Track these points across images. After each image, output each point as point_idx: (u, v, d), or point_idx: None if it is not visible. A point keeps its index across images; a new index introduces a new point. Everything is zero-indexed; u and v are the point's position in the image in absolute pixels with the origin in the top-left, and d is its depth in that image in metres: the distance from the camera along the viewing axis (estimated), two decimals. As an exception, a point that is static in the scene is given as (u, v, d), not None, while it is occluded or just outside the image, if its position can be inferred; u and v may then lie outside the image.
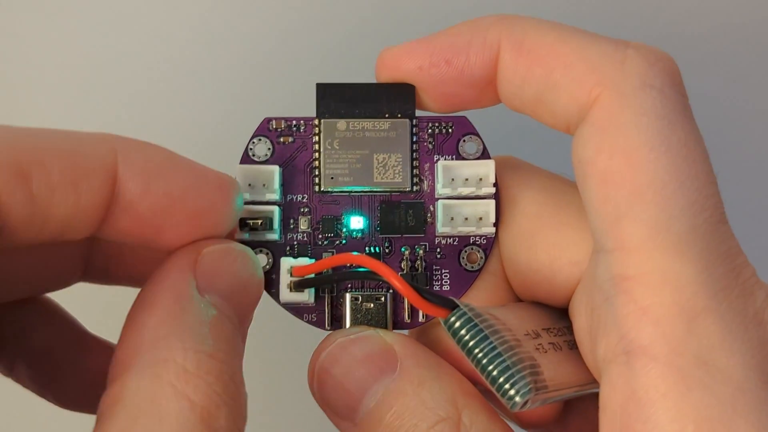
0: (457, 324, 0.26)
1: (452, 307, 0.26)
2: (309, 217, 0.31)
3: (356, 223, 0.31)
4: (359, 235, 0.31)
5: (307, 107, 0.31)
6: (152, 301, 0.25)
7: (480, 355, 0.25)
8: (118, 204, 0.25)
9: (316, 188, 0.31)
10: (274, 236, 0.30)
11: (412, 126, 0.31)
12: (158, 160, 0.26)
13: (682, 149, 0.25)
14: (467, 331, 0.26)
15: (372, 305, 0.30)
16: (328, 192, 0.31)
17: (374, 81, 0.31)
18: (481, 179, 0.30)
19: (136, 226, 0.25)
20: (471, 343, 0.25)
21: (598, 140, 0.26)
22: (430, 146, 0.31)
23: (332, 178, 0.31)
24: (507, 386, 0.25)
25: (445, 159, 0.31)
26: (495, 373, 0.25)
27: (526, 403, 0.25)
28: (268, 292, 0.30)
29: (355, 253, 0.30)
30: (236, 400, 0.24)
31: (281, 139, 0.31)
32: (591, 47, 0.27)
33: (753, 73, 0.47)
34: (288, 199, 0.31)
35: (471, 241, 0.31)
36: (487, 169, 0.30)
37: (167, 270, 0.26)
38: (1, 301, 0.29)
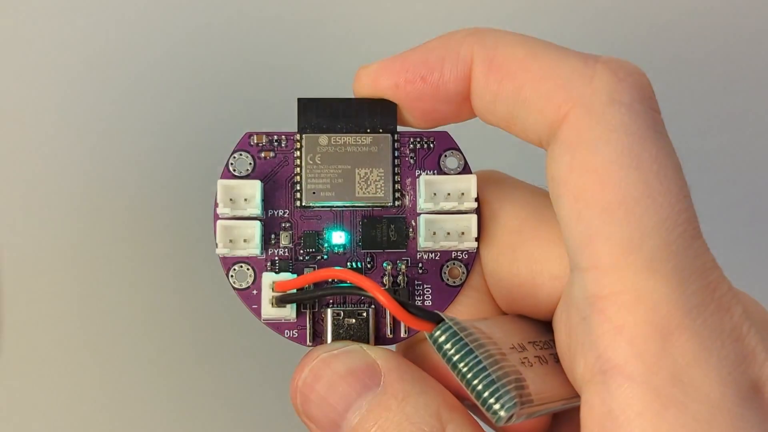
0: (442, 338, 0.26)
1: (437, 320, 0.26)
2: (290, 232, 0.31)
3: (338, 238, 0.31)
4: (341, 250, 0.31)
5: (289, 122, 0.31)
6: None
7: (465, 369, 0.25)
8: None
9: (298, 203, 0.31)
10: (255, 251, 0.30)
11: (394, 141, 0.31)
12: None
13: (653, 165, 0.25)
14: (452, 345, 0.25)
15: (354, 320, 0.30)
16: (309, 207, 0.31)
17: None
18: (462, 194, 0.30)
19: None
20: (456, 357, 0.25)
21: (568, 158, 0.26)
22: (412, 161, 0.31)
23: (314, 192, 0.30)
24: (492, 400, 0.25)
25: (426, 174, 0.31)
26: (480, 387, 0.25)
27: (511, 417, 0.25)
28: (249, 308, 0.30)
29: (338, 268, 0.30)
30: None
31: (262, 154, 0.31)
32: (561, 63, 0.27)
33: (753, 74, 0.47)
34: (269, 214, 0.31)
35: (453, 256, 0.31)
36: (468, 183, 0.30)
37: None
38: None
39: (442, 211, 0.30)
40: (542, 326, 0.29)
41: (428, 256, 0.31)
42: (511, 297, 0.30)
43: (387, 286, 0.30)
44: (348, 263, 0.31)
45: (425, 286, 0.31)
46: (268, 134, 0.31)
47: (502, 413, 0.25)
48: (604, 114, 0.26)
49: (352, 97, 0.31)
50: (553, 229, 0.29)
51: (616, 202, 0.25)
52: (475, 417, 0.28)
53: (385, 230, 0.30)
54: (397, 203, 0.31)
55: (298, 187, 0.31)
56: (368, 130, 0.31)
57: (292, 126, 0.31)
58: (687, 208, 0.25)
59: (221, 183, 0.30)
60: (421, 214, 0.30)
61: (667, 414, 0.23)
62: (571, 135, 0.26)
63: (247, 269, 0.30)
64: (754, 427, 0.23)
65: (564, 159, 0.26)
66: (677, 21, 0.47)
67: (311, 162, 0.31)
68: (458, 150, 0.31)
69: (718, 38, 0.47)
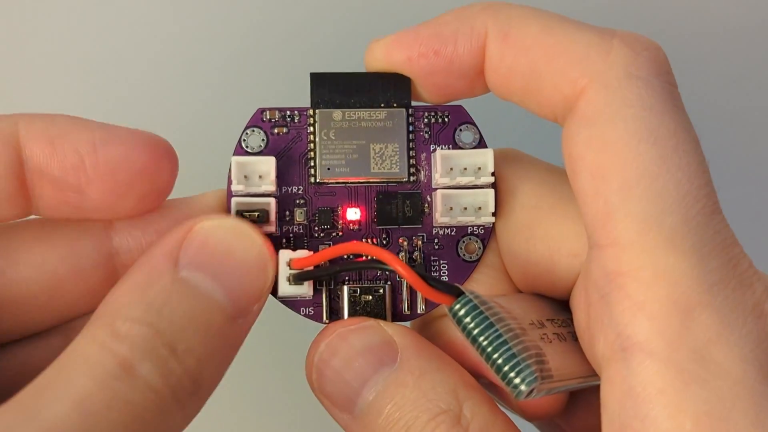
0: (462, 311, 0.25)
1: (457, 294, 0.26)
2: (305, 209, 0.30)
3: (353, 214, 0.30)
4: (356, 226, 0.30)
5: (301, 97, 0.31)
6: (128, 274, 0.26)
7: (485, 343, 0.25)
8: (30, 171, 0.26)
9: (312, 179, 0.30)
10: (270, 228, 0.30)
11: (408, 115, 0.31)
12: (61, 123, 0.26)
13: (671, 139, 0.25)
14: (472, 319, 0.25)
15: (370, 297, 0.30)
16: (324, 183, 0.30)
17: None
18: (479, 168, 0.30)
19: (60, 193, 0.26)
20: (476, 331, 0.25)
21: (586, 134, 0.25)
22: (427, 136, 0.31)
23: (328, 168, 0.30)
24: (512, 374, 0.25)
25: (442, 148, 0.30)
26: (500, 361, 0.25)
27: (531, 391, 0.25)
28: None
29: (355, 242, 0.30)
30: (170, 361, 0.24)
31: (275, 130, 0.30)
32: (576, 37, 0.27)
33: (753, 73, 0.47)
34: (283, 191, 0.30)
35: (468, 231, 0.30)
36: (485, 158, 0.30)
37: (154, 244, 0.26)
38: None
39: (458, 185, 0.30)
40: (559, 305, 0.29)
41: (444, 231, 0.30)
42: (528, 275, 0.29)
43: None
44: (363, 240, 0.30)
45: (441, 261, 0.30)
46: (280, 110, 0.30)
47: (522, 387, 0.25)
48: (621, 89, 0.25)
49: (366, 71, 0.31)
50: (571, 207, 0.28)
51: (634, 178, 0.24)
52: (492, 395, 0.28)
53: (400, 206, 0.30)
54: (412, 178, 0.30)
55: (312, 163, 0.30)
56: (382, 105, 0.30)
57: (305, 101, 0.31)
58: (706, 183, 0.25)
59: (235, 160, 0.29)
60: (437, 189, 0.30)
61: (688, 391, 0.23)
62: (587, 110, 0.26)
63: None
64: None
65: (581, 134, 0.26)
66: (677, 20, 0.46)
67: (325, 137, 0.30)
68: (473, 124, 0.31)
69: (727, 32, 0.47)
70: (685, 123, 0.25)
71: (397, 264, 0.26)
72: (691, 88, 0.27)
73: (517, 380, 0.25)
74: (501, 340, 0.25)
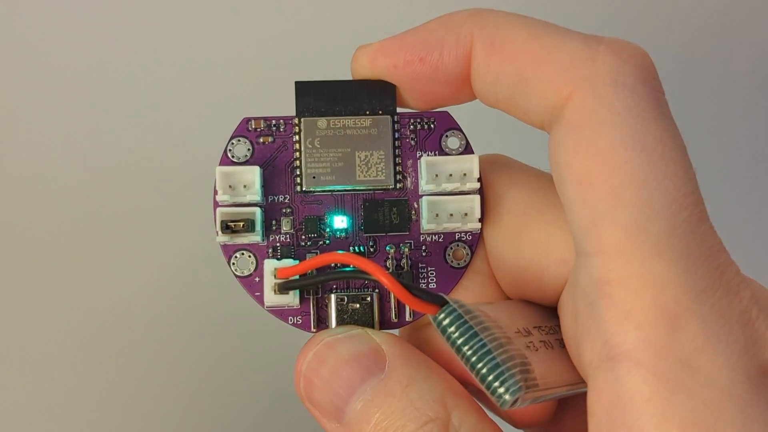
0: (446, 321, 0.25)
1: (442, 303, 0.25)
2: (291, 218, 0.30)
3: (340, 222, 0.30)
4: (343, 234, 0.30)
5: (287, 106, 0.31)
6: None
7: (469, 352, 0.25)
8: None
9: (298, 188, 0.30)
10: (256, 238, 0.30)
11: (394, 122, 0.30)
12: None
13: (658, 147, 0.24)
14: (456, 328, 0.25)
15: (358, 305, 0.30)
16: (310, 192, 0.30)
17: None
18: (465, 174, 0.30)
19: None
20: (460, 341, 0.25)
21: (572, 142, 0.25)
22: (413, 142, 0.31)
23: (314, 177, 0.30)
24: (496, 384, 0.25)
25: (428, 155, 0.30)
26: (484, 370, 0.25)
27: (516, 401, 0.25)
28: (252, 295, 0.30)
29: (340, 252, 0.30)
30: None
31: (261, 140, 0.30)
32: (563, 44, 0.26)
33: (741, 80, 0.46)
34: (269, 200, 0.30)
35: (456, 237, 0.30)
36: (470, 164, 0.30)
37: None
38: None
39: (444, 192, 0.30)
40: (547, 311, 0.29)
41: (431, 238, 0.30)
42: (516, 281, 0.29)
43: (391, 270, 0.30)
44: (351, 248, 0.30)
45: (429, 268, 0.30)
46: (266, 119, 0.30)
47: (506, 397, 0.24)
48: (608, 96, 0.25)
49: (351, 79, 0.31)
50: (560, 213, 0.28)
51: (621, 186, 0.24)
52: (480, 403, 0.28)
53: (387, 213, 0.30)
54: (398, 185, 0.30)
55: (298, 172, 0.30)
56: (367, 112, 0.30)
57: (290, 110, 0.31)
58: (693, 191, 0.24)
59: (220, 170, 0.29)
60: (423, 196, 0.30)
61: (675, 400, 0.22)
62: (574, 117, 0.25)
63: (249, 256, 0.30)
64: (764, 412, 0.23)
65: (567, 142, 0.25)
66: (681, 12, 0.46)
67: (310, 146, 0.30)
68: (459, 130, 0.31)
69: (723, 32, 0.46)
70: (671, 130, 0.25)
71: (380, 274, 0.26)
72: (678, 95, 0.27)
73: (501, 390, 0.25)
74: (485, 349, 0.25)
